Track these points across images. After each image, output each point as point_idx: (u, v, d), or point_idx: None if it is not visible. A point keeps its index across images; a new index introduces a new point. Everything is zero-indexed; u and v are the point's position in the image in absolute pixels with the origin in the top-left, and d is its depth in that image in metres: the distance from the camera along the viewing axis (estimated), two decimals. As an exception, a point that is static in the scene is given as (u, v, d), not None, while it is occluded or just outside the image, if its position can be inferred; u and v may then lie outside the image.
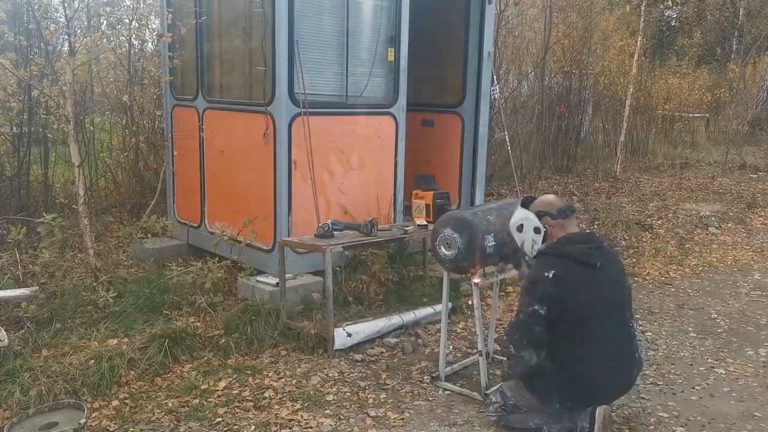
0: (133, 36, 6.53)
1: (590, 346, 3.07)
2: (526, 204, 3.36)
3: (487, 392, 3.66)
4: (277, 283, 4.61)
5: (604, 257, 3.18)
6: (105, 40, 6.34)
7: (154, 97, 7.08)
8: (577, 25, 11.04)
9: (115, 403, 3.54)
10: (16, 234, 4.69)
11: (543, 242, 3.25)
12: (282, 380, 3.85)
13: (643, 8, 11.44)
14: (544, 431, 3.21)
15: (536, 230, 3.25)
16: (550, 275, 3.06)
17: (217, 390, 3.70)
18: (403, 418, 3.49)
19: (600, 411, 3.06)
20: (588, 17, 11.30)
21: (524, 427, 3.28)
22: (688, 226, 8.09)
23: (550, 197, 3.35)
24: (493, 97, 6.42)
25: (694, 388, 3.95)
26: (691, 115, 16.07)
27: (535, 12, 12.13)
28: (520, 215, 3.32)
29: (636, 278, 6.09)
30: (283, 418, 3.45)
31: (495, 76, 6.41)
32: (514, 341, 3.14)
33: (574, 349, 3.07)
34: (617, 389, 3.26)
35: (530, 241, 3.28)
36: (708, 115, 16.84)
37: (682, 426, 3.51)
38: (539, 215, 3.26)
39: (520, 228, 3.31)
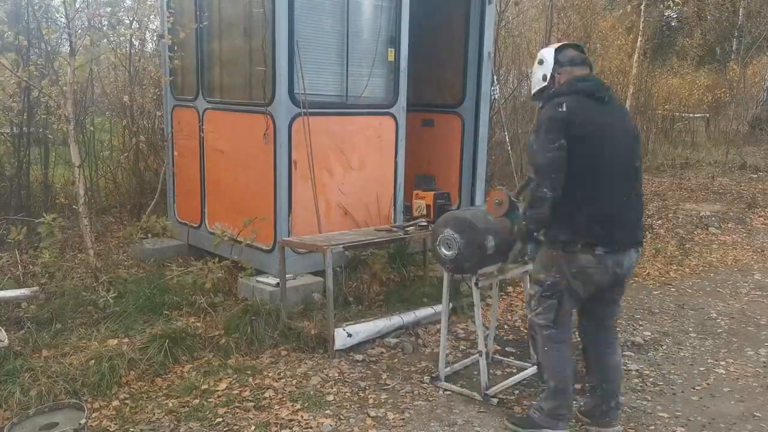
0: (134, 36, 6.53)
1: (600, 189, 3.16)
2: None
3: (487, 392, 3.67)
4: (278, 283, 4.61)
5: (611, 96, 3.30)
6: (106, 40, 6.34)
7: (154, 97, 7.08)
8: (576, 25, 11.03)
9: (115, 403, 3.54)
10: (16, 234, 4.69)
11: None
12: (282, 380, 3.85)
13: (642, 8, 11.44)
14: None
15: (543, 77, 3.37)
16: (563, 108, 3.14)
17: (218, 390, 3.70)
18: (403, 418, 3.49)
19: None
20: (588, 17, 11.29)
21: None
22: (688, 226, 8.09)
23: (571, 51, 3.39)
24: (493, 97, 6.42)
25: (694, 388, 3.95)
26: (691, 115, 16.05)
27: (536, 12, 12.12)
28: (545, 53, 3.40)
29: (636, 278, 6.08)
30: (283, 418, 3.45)
31: (495, 77, 6.41)
32: (552, 180, 3.08)
33: (588, 191, 3.14)
34: (629, 230, 3.24)
35: (537, 78, 3.42)
36: (708, 115, 16.83)
37: (682, 426, 3.51)
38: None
39: (540, 62, 3.41)
